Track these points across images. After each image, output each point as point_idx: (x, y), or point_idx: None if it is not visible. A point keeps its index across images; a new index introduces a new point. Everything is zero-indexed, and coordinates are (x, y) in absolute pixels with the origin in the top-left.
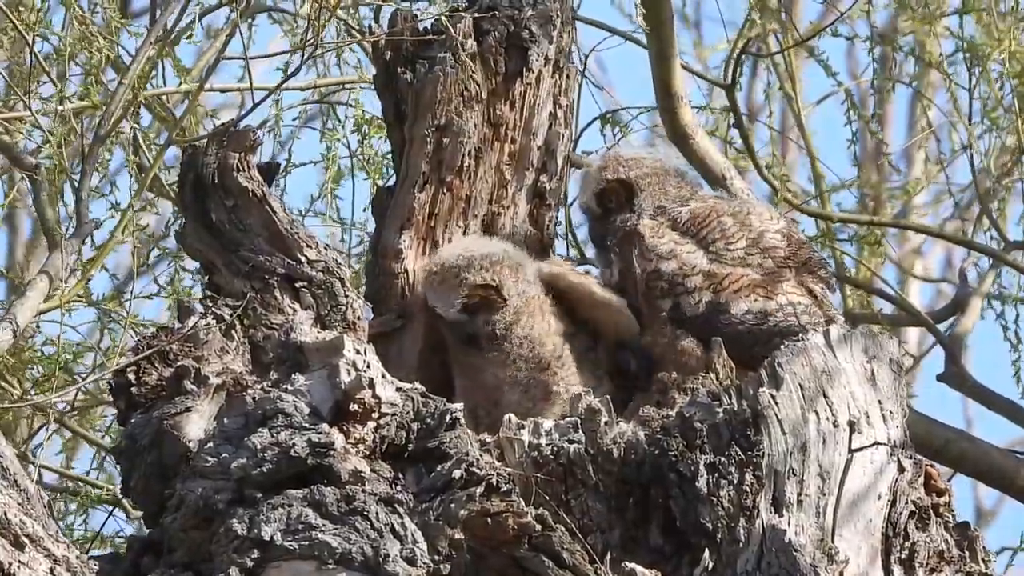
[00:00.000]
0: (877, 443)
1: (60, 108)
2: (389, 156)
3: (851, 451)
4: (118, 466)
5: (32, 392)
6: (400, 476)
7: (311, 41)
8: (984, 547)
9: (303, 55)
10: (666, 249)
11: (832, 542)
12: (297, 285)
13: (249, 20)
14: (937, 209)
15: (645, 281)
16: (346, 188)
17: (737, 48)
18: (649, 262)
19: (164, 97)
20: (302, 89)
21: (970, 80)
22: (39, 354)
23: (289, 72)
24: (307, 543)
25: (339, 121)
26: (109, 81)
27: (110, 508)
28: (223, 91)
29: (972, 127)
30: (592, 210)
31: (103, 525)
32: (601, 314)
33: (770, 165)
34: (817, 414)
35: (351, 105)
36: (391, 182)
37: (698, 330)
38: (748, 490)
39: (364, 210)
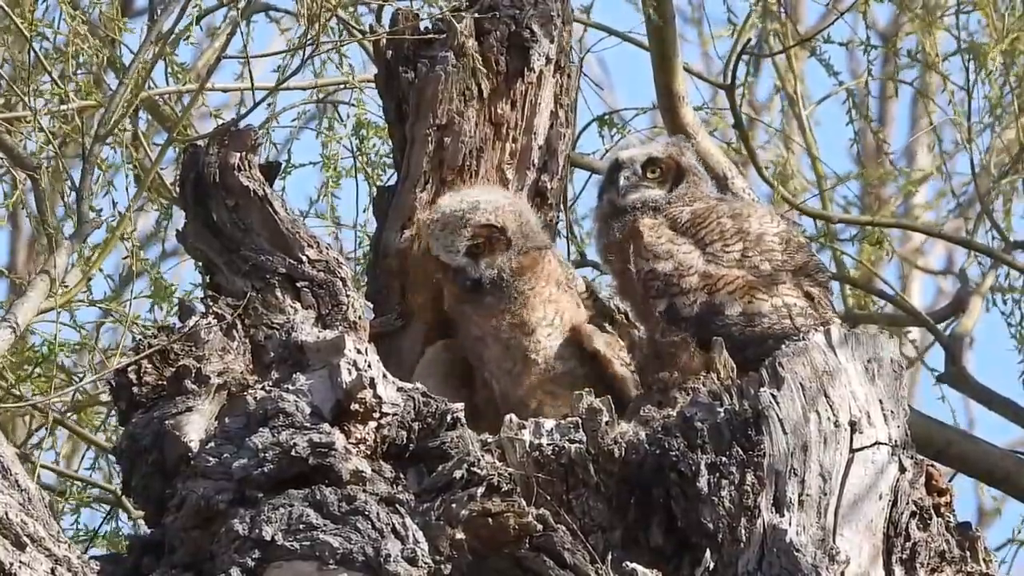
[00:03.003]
0: (878, 443)
1: (62, 107)
2: (388, 157)
3: (852, 451)
4: (118, 466)
5: (25, 389)
6: (401, 476)
7: (311, 40)
8: (985, 547)
9: (303, 54)
10: (663, 249)
11: (833, 542)
12: (298, 285)
13: (248, 19)
14: (938, 203)
15: (642, 280)
16: (347, 189)
17: (737, 48)
18: (646, 261)
19: (168, 96)
20: (303, 89)
21: (968, 80)
22: (39, 354)
23: (288, 72)
24: (308, 543)
25: (341, 121)
26: (110, 85)
27: (109, 508)
28: (224, 91)
29: (971, 126)
30: (633, 168)
31: (100, 524)
32: (613, 383)
33: (769, 165)
34: (818, 414)
35: (353, 105)
36: (391, 181)
37: (692, 331)
38: (749, 490)
39: (364, 211)
